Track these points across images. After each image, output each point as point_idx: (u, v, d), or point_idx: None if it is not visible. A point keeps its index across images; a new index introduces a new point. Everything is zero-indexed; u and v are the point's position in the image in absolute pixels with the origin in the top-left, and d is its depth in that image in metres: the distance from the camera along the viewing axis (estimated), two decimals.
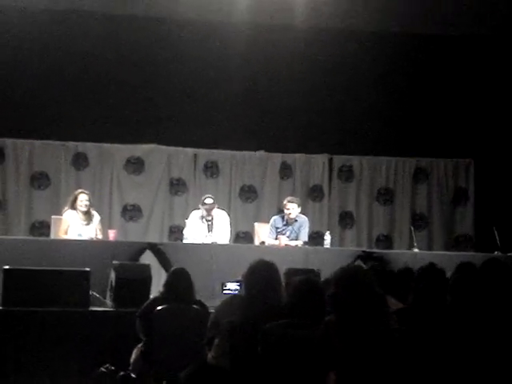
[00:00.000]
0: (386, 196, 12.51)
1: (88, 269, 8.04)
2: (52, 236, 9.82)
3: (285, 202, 10.22)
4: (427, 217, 12.52)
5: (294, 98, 11.91)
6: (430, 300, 4.76)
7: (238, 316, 5.16)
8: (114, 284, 8.18)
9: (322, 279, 6.46)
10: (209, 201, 9.96)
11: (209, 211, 9.93)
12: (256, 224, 10.81)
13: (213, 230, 9.95)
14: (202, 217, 9.97)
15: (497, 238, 10.05)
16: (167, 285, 6.66)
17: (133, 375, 6.46)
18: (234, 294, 6.91)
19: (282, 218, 10.17)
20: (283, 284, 6.80)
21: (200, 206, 10.03)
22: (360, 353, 4.37)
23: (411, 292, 5.20)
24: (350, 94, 12.03)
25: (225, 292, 7.60)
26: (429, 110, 12.23)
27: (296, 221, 10.12)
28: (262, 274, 5.22)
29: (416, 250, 10.25)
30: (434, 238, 12.46)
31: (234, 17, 11.27)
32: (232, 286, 7.64)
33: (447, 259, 8.63)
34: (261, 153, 12.19)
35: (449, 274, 5.63)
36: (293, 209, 10.07)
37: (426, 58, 12.18)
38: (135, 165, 11.83)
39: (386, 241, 12.38)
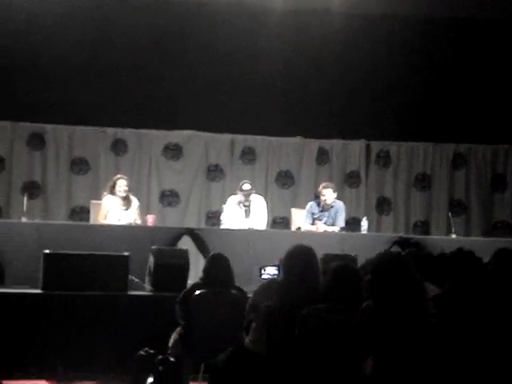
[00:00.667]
0: (423, 182, 12.44)
1: (127, 253, 8.12)
2: (91, 221, 9.91)
3: (320, 188, 10.21)
4: (465, 203, 12.45)
5: (331, 84, 11.85)
6: (467, 286, 4.74)
7: (275, 300, 5.18)
8: (152, 269, 8.24)
9: (359, 265, 6.45)
10: (246, 186, 9.98)
11: (246, 197, 9.96)
12: (293, 210, 10.81)
13: (250, 215, 9.98)
14: (240, 202, 10.00)
15: None
16: (206, 270, 6.71)
17: (171, 359, 6.50)
18: (272, 279, 6.94)
19: (318, 203, 10.15)
20: (320, 270, 6.82)
21: (238, 191, 10.06)
22: (398, 339, 4.37)
23: (447, 277, 5.18)
24: (387, 80, 11.95)
25: (263, 276, 7.62)
26: (468, 96, 12.12)
27: (332, 207, 10.10)
28: (300, 259, 5.23)
29: (454, 236, 10.20)
30: (472, 224, 12.38)
31: (270, 0, 11.27)
32: (271, 271, 7.66)
33: (485, 245, 8.57)
34: (298, 139, 12.18)
35: (486, 261, 5.62)
36: (329, 194, 10.05)
37: (465, 42, 12.05)
38: (173, 151, 11.89)
39: (423, 227, 12.32)
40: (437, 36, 11.94)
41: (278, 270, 6.23)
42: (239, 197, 10.00)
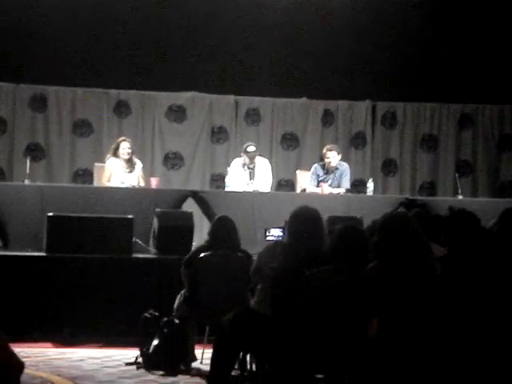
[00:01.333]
0: (429, 143, 12.37)
1: (131, 216, 8.10)
2: (95, 183, 9.88)
3: (324, 151, 10.14)
4: (472, 163, 12.38)
5: (336, 45, 11.75)
6: (473, 246, 4.70)
7: (280, 262, 5.16)
8: (156, 231, 8.24)
9: (365, 227, 6.42)
10: (251, 148, 9.91)
11: (251, 159, 9.89)
12: (298, 172, 10.76)
13: (254, 177, 9.93)
14: (244, 164, 9.94)
15: None
16: (212, 232, 6.69)
17: (176, 321, 6.51)
18: (277, 241, 6.91)
19: (323, 166, 10.09)
20: (326, 231, 6.78)
21: (242, 153, 9.99)
22: (404, 300, 4.36)
23: (448, 238, 5.16)
24: (392, 40, 11.84)
25: (268, 238, 7.61)
26: (474, 56, 12.01)
27: (337, 168, 10.04)
28: (305, 220, 5.20)
29: (460, 197, 10.14)
30: (479, 184, 12.33)
31: None
32: (275, 232, 7.65)
33: (492, 206, 8.55)
34: (303, 100, 12.09)
35: (494, 221, 5.58)
36: (333, 157, 9.99)
37: (470, 2, 11.92)
38: (177, 113, 11.82)
39: (430, 188, 12.27)
40: None
41: (283, 232, 6.20)
42: (244, 159, 9.93)
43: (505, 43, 11.99)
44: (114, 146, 9.77)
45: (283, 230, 6.42)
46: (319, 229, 5.23)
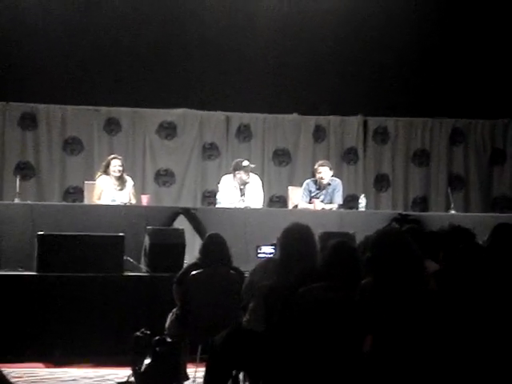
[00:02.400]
0: (421, 158, 12.37)
1: (122, 234, 8.05)
2: (86, 201, 9.83)
3: (316, 167, 10.12)
4: (464, 178, 12.38)
5: (326, 60, 11.77)
6: (466, 262, 4.68)
7: (273, 280, 5.12)
8: (147, 249, 8.19)
9: (357, 242, 6.39)
10: (246, 163, 9.83)
11: (247, 173, 9.79)
12: (290, 188, 10.72)
13: (245, 194, 9.88)
14: (241, 181, 9.79)
15: None
16: (203, 250, 6.67)
17: (168, 339, 6.46)
18: (269, 258, 6.87)
19: (315, 181, 10.06)
20: (318, 248, 6.74)
21: (235, 170, 9.82)
22: (397, 316, 4.32)
23: (443, 253, 5.13)
24: (384, 55, 11.84)
25: (259, 255, 7.58)
26: (466, 70, 12.02)
27: (329, 184, 10.02)
28: (297, 237, 5.17)
29: (453, 212, 10.12)
30: (471, 199, 12.32)
31: None
32: (267, 250, 7.62)
33: (485, 220, 8.52)
34: (294, 115, 12.08)
35: (486, 236, 5.55)
36: (325, 172, 9.96)
37: (461, 15, 11.95)
38: (168, 129, 11.79)
39: (422, 203, 12.27)
40: (434, 9, 11.83)
41: (275, 249, 6.17)
42: (239, 176, 9.79)
43: (496, 58, 12.01)
44: (104, 164, 9.73)
45: (275, 247, 6.39)
46: (311, 245, 5.20)
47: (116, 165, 9.64)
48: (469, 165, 12.42)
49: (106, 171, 9.63)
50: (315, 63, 11.75)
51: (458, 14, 11.95)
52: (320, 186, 10.00)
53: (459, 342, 4.32)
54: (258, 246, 7.73)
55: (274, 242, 6.81)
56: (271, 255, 7.33)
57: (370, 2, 11.75)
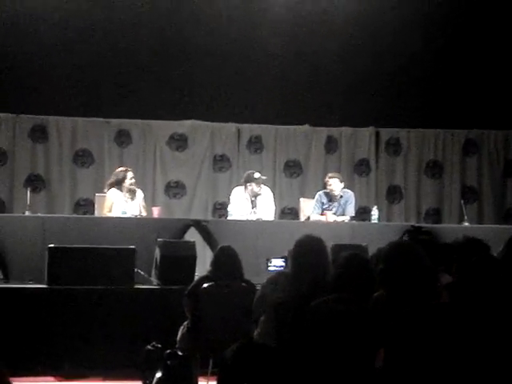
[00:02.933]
0: (434, 169, 12.32)
1: (133, 246, 8.02)
2: (96, 214, 9.81)
3: (327, 179, 10.10)
4: (477, 190, 12.33)
5: (339, 71, 11.75)
6: (479, 274, 4.63)
7: (284, 293, 5.08)
8: (159, 262, 8.16)
9: (370, 254, 6.35)
10: (258, 175, 9.81)
11: (259, 185, 9.76)
12: (302, 200, 10.68)
13: (257, 206, 9.84)
14: (254, 193, 9.76)
15: None
16: (214, 263, 6.63)
17: (179, 353, 6.42)
18: (280, 271, 6.83)
19: (327, 194, 10.03)
20: (330, 260, 6.67)
21: (247, 182, 9.79)
22: (410, 329, 4.27)
23: (457, 266, 5.08)
24: (395, 66, 11.82)
25: (270, 269, 7.53)
26: (479, 81, 11.98)
27: (342, 196, 9.98)
28: (310, 249, 5.14)
29: (466, 224, 10.06)
30: (485, 211, 12.26)
31: None
32: (277, 262, 7.58)
33: (498, 233, 8.47)
34: (306, 127, 12.05)
35: (500, 248, 5.51)
36: (335, 184, 9.93)
37: (474, 27, 11.91)
38: (178, 141, 11.78)
39: (435, 215, 12.21)
40: (448, 19, 11.80)
41: (285, 262, 6.13)
42: (251, 188, 9.77)
43: (508, 69, 11.96)
44: (118, 177, 9.58)
45: (285, 259, 6.35)
46: (323, 258, 5.17)
47: (132, 177, 9.60)
48: (482, 176, 12.36)
49: (118, 184, 9.55)
50: (326, 74, 11.74)
51: (470, 26, 11.91)
52: (331, 198, 9.96)
53: (472, 355, 4.26)
54: (268, 259, 7.69)
55: (285, 254, 6.77)
56: (281, 268, 7.30)
57: (382, 12, 11.72)
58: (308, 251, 5.15)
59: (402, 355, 4.26)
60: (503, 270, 4.76)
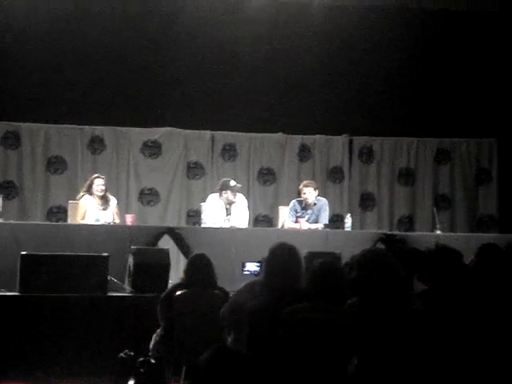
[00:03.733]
0: (407, 177, 12.40)
1: (106, 254, 8.00)
2: (69, 221, 9.78)
3: (301, 187, 10.12)
4: (450, 198, 12.41)
5: (312, 79, 11.80)
6: (452, 282, 4.67)
7: (258, 300, 5.09)
8: (132, 269, 8.15)
9: (343, 262, 6.37)
10: (234, 183, 9.82)
11: (234, 193, 9.78)
12: (280, 207, 10.69)
13: (231, 213, 9.85)
14: (228, 201, 9.77)
15: None
16: (188, 270, 6.63)
17: (152, 360, 6.41)
18: (255, 280, 6.84)
19: (301, 202, 10.05)
20: (303, 267, 6.67)
21: (222, 190, 9.79)
22: (383, 337, 4.30)
23: (429, 274, 5.13)
24: (370, 75, 11.90)
25: (245, 273, 7.55)
26: (451, 90, 12.09)
27: (315, 204, 10.01)
28: (282, 258, 5.14)
29: (439, 232, 10.13)
30: (457, 219, 12.35)
31: None
32: (251, 267, 7.60)
33: (470, 241, 8.53)
34: (279, 135, 12.09)
35: (472, 256, 5.55)
36: (309, 193, 9.95)
37: (448, 35, 12.03)
38: (152, 148, 11.77)
39: (408, 222, 12.28)
40: (420, 29, 11.90)
41: (260, 267, 6.15)
42: (226, 196, 9.77)
43: (480, 78, 12.07)
44: (87, 183, 9.71)
45: (260, 264, 6.36)
46: (296, 266, 5.18)
47: (99, 184, 9.62)
48: (454, 184, 12.45)
49: (89, 191, 9.61)
50: (300, 83, 11.78)
51: (443, 36, 12.01)
52: (305, 206, 9.98)
53: (444, 362, 4.30)
54: (243, 263, 7.71)
55: (259, 259, 6.78)
56: (256, 272, 7.32)
57: (357, 22, 11.78)
58: (280, 259, 5.16)
59: (375, 363, 4.29)
60: (474, 278, 4.82)
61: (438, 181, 12.44)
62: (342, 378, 4.43)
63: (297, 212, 10.01)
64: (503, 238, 8.89)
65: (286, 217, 10.11)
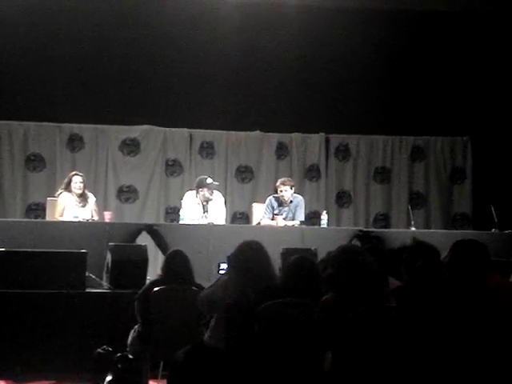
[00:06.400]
0: (382, 175, 12.45)
1: (84, 250, 8.02)
2: (48, 218, 9.77)
3: (278, 184, 10.16)
4: (425, 195, 12.48)
5: (289, 78, 11.83)
6: (426, 278, 4.73)
7: (234, 297, 5.14)
8: (110, 266, 8.16)
9: (319, 259, 6.43)
10: (210, 180, 9.86)
11: (211, 190, 9.82)
12: (254, 204, 10.75)
13: (208, 210, 9.89)
14: (205, 198, 9.82)
15: (494, 215, 10.01)
16: (165, 267, 6.67)
17: (130, 356, 6.44)
18: (228, 277, 6.90)
19: (277, 198, 10.10)
20: (280, 263, 6.77)
21: (199, 188, 9.85)
22: (357, 332, 4.35)
23: (404, 270, 5.17)
24: (346, 73, 11.95)
25: (221, 272, 7.58)
26: (426, 88, 12.16)
27: (291, 201, 10.06)
28: (248, 255, 5.23)
29: (413, 229, 10.21)
30: (432, 216, 12.40)
31: None
32: (225, 267, 7.62)
33: (445, 238, 8.60)
34: (257, 133, 12.13)
35: (446, 253, 5.60)
36: (286, 191, 10.00)
37: (422, 35, 12.08)
38: (130, 146, 11.76)
39: (384, 220, 12.34)
40: (393, 29, 11.95)
41: (228, 265, 6.17)
42: (203, 194, 9.82)
43: (455, 75, 12.15)
44: (66, 181, 9.71)
45: (227, 261, 6.36)
46: (263, 261, 5.24)
47: (77, 181, 9.63)
48: (429, 182, 12.50)
49: (67, 188, 9.62)
50: (277, 81, 11.80)
51: (417, 34, 12.07)
52: (282, 203, 10.04)
53: (418, 357, 4.36)
54: (219, 264, 7.74)
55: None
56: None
57: (331, 20, 11.82)
58: (247, 257, 5.24)
59: (350, 358, 4.34)
60: (448, 274, 4.87)
61: (413, 178, 12.51)
62: (317, 373, 4.48)
63: (273, 209, 10.06)
64: (477, 235, 9.00)
65: (261, 214, 10.16)
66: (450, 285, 4.75)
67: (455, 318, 4.46)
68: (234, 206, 11.76)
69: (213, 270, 8.13)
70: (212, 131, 11.97)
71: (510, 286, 5.32)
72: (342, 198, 12.33)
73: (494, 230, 9.95)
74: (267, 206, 10.09)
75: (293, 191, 10.08)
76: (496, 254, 6.53)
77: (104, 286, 8.18)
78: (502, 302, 4.72)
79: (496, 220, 9.97)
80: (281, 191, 10.00)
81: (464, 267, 5.04)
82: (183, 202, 9.95)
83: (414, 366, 4.32)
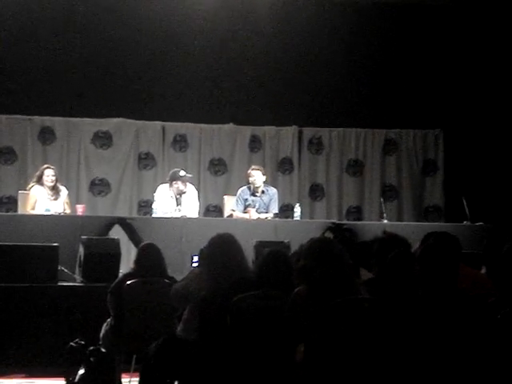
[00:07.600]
0: (355, 168, 12.48)
1: (56, 244, 8.00)
2: (19, 211, 9.73)
3: (249, 171, 10.20)
4: (397, 188, 12.52)
5: (262, 71, 11.83)
6: (397, 270, 4.76)
7: (207, 290, 5.15)
8: (82, 259, 8.15)
9: (292, 251, 6.44)
10: (183, 173, 9.86)
11: (184, 183, 9.82)
12: (225, 197, 10.76)
13: (181, 203, 9.89)
14: (179, 191, 9.81)
15: (466, 208, 10.08)
16: (137, 261, 6.66)
17: (102, 350, 6.44)
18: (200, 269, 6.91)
19: (249, 188, 10.12)
20: (253, 256, 6.79)
21: (172, 181, 9.84)
22: (329, 324, 4.37)
23: (376, 262, 5.20)
24: (318, 66, 11.97)
25: (194, 265, 7.58)
26: (397, 81, 12.20)
27: (264, 192, 10.07)
28: (221, 248, 5.25)
29: (385, 221, 10.27)
30: (404, 208, 12.46)
31: None
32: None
33: (417, 230, 8.65)
34: (230, 126, 12.12)
35: (418, 244, 5.64)
36: (257, 176, 10.03)
37: (394, 28, 12.11)
38: (103, 139, 11.71)
39: (357, 212, 12.38)
40: (366, 22, 11.99)
41: (199, 258, 6.17)
42: (176, 187, 9.81)
43: (426, 68, 12.21)
44: (37, 174, 9.67)
45: (198, 254, 6.35)
46: (235, 254, 5.25)
47: (49, 174, 9.59)
48: (401, 175, 12.56)
49: (39, 181, 9.58)
50: (250, 74, 11.81)
51: (389, 27, 12.11)
52: (254, 192, 10.04)
53: (390, 349, 4.38)
54: (192, 257, 7.74)
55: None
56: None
57: (304, 13, 11.85)
58: (219, 250, 5.25)
59: (322, 350, 4.36)
60: (419, 265, 4.89)
61: (386, 171, 12.55)
62: (289, 364, 4.50)
63: (246, 200, 10.06)
64: (449, 228, 9.07)
65: (232, 206, 10.16)
66: (422, 277, 4.77)
67: (427, 310, 4.48)
68: (207, 198, 11.75)
69: (186, 262, 8.13)
70: (185, 124, 11.95)
71: (482, 278, 5.37)
72: (315, 191, 12.35)
73: (465, 222, 10.03)
74: (238, 197, 10.10)
75: (264, 178, 10.10)
76: (468, 246, 6.57)
77: (76, 280, 8.17)
78: (473, 294, 4.75)
79: (468, 212, 10.04)
80: (252, 176, 10.02)
81: (436, 259, 5.07)
82: (156, 195, 9.94)
83: (386, 357, 4.35)
